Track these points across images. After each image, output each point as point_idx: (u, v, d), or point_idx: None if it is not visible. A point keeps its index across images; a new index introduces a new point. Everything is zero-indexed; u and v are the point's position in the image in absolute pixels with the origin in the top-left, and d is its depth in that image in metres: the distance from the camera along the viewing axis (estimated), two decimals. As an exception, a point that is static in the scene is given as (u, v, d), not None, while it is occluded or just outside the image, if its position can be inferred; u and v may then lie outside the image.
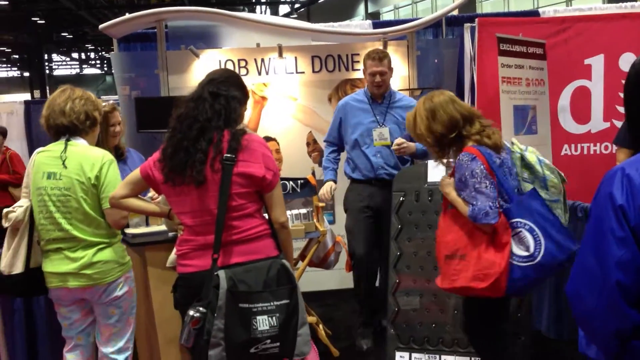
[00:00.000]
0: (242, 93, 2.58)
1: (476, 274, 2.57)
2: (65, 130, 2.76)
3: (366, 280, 4.17)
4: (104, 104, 3.29)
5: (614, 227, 1.37)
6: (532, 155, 2.83)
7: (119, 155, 3.77)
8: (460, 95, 5.63)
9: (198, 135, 2.41)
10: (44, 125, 2.80)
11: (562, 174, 2.85)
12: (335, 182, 4.21)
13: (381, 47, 5.24)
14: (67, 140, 2.76)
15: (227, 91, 2.49)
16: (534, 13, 6.32)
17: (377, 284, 4.35)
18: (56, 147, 2.76)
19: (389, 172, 4.12)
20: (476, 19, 4.87)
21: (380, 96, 4.19)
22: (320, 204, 4.24)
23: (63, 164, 2.70)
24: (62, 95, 2.79)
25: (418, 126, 2.81)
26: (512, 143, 2.90)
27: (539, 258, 2.57)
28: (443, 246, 2.73)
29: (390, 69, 4.18)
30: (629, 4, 6.30)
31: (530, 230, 2.59)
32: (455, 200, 2.70)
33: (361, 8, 25.83)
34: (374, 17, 24.45)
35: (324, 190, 4.10)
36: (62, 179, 2.70)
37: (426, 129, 2.78)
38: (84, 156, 2.73)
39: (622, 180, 1.40)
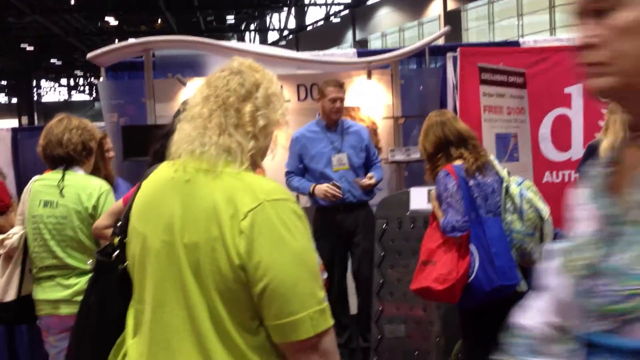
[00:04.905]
0: None
1: (438, 276, 2.82)
2: (61, 160, 2.80)
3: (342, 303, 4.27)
4: None
5: None
6: (516, 188, 2.98)
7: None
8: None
9: None
10: (40, 153, 2.84)
11: (543, 211, 2.94)
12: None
13: (365, 76, 5.34)
14: (65, 169, 2.79)
15: None
16: (515, 43, 6.47)
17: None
18: (53, 175, 2.80)
19: (356, 195, 4.22)
20: (458, 49, 4.98)
21: (334, 123, 4.33)
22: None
23: (60, 192, 2.74)
24: (60, 126, 2.82)
25: (419, 141, 3.12)
26: (508, 173, 3.07)
27: (470, 279, 2.79)
28: (422, 252, 2.96)
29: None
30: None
31: (471, 253, 2.80)
32: (437, 211, 2.94)
33: (349, 35, 26.17)
34: (362, 44, 24.77)
35: (324, 189, 4.11)
36: (59, 207, 2.73)
37: (421, 146, 3.09)
38: (82, 185, 2.77)
39: None
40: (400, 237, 3.82)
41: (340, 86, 4.31)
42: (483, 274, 2.77)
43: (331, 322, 1.33)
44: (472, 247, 2.81)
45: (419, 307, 3.63)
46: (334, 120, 4.32)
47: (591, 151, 3.72)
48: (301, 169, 4.37)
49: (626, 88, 0.93)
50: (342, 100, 4.27)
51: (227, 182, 1.34)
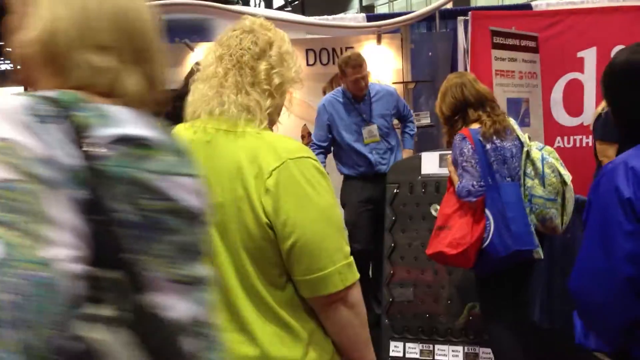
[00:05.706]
0: None
1: (451, 241, 2.79)
2: None
3: (366, 271, 4.27)
4: None
5: (622, 221, 1.35)
6: (537, 153, 2.91)
7: None
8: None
9: None
10: None
11: (565, 176, 2.88)
12: None
13: (375, 41, 5.27)
14: None
15: None
16: (527, 6, 6.37)
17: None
18: None
19: (386, 165, 4.21)
20: (469, 13, 4.90)
21: (362, 96, 4.24)
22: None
23: None
24: None
25: (436, 104, 3.06)
26: (529, 138, 3.02)
27: (485, 244, 2.76)
28: (439, 218, 2.94)
29: (368, 70, 4.24)
30: (621, -4, 6.33)
31: (487, 218, 2.78)
32: (453, 176, 2.89)
33: (355, 1, 25.81)
34: (369, 10, 24.44)
35: None
36: None
37: (438, 108, 3.01)
38: None
39: (627, 173, 1.38)
40: (412, 201, 3.81)
41: (360, 65, 4.11)
42: (498, 239, 2.73)
43: (357, 275, 1.36)
44: (488, 212, 2.77)
45: (429, 271, 3.65)
46: (360, 95, 4.22)
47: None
48: (330, 139, 4.30)
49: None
50: (364, 77, 4.14)
51: (249, 141, 1.35)
